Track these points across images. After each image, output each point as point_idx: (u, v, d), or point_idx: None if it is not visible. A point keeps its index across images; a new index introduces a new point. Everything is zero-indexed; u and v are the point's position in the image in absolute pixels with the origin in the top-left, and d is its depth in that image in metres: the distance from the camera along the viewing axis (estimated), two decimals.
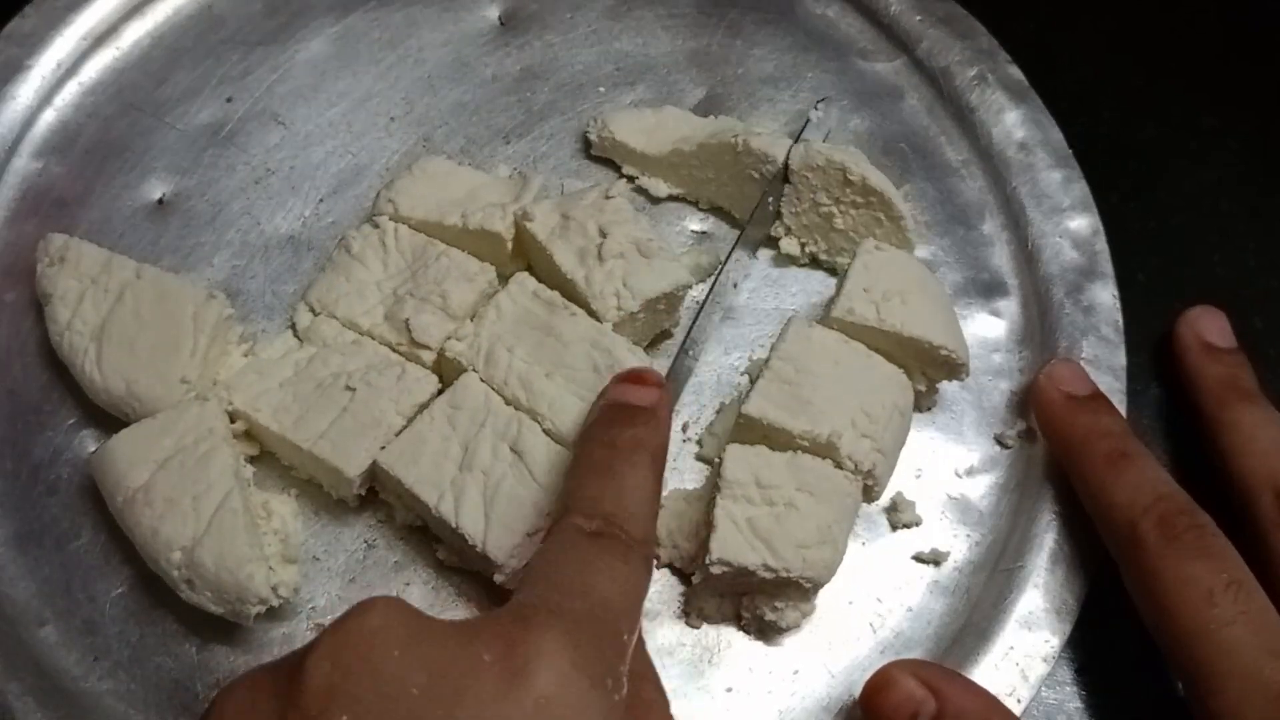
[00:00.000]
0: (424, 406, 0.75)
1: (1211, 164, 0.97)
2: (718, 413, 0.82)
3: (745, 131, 0.83)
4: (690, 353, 0.80)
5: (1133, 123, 0.98)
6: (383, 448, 0.73)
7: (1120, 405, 0.81)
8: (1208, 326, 0.83)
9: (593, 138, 0.89)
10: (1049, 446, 0.79)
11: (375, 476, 0.74)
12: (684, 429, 0.81)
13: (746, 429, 0.75)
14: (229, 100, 0.91)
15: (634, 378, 0.71)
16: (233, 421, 0.76)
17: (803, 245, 0.85)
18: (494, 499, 0.71)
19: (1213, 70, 1.01)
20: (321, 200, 0.88)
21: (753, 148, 0.82)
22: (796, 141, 0.83)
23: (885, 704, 0.68)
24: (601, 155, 0.90)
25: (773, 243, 0.87)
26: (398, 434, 0.74)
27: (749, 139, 0.82)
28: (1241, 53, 1.02)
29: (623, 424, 0.68)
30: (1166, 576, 0.68)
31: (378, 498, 0.77)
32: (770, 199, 0.83)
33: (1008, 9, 0.97)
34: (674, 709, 0.72)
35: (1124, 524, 0.70)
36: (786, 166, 0.83)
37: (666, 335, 0.84)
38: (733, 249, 0.82)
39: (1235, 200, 0.95)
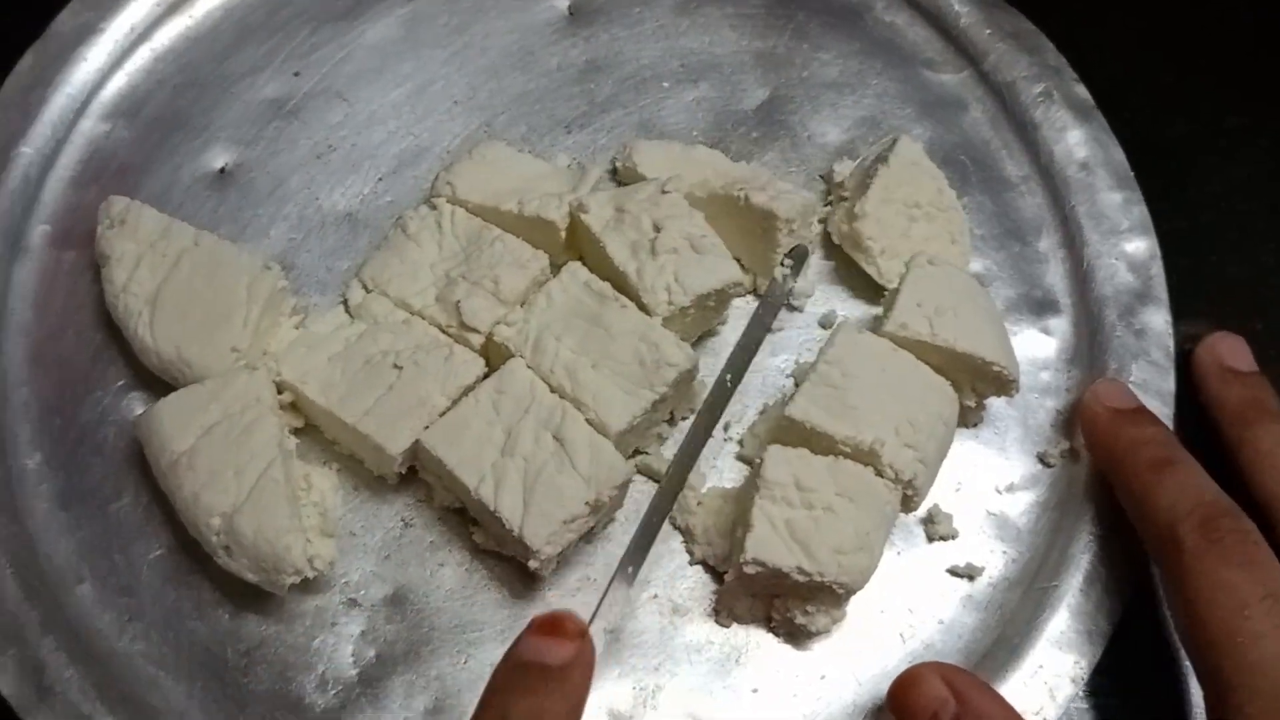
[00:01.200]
0: (469, 389, 0.75)
1: (1241, 161, 0.96)
2: (760, 414, 0.82)
3: (749, 185, 0.81)
4: (730, 380, 0.79)
5: (1162, 119, 0.97)
6: (426, 427, 0.74)
7: None
8: (1227, 351, 0.82)
9: (618, 164, 0.88)
10: (1094, 460, 0.79)
11: (417, 456, 0.75)
12: (725, 428, 0.81)
13: (789, 431, 0.75)
14: (296, 75, 0.92)
15: (551, 626, 0.62)
16: (280, 393, 0.77)
17: (864, 235, 0.83)
18: (534, 485, 0.71)
19: (1242, 67, 1.00)
20: (380, 179, 0.88)
21: (753, 204, 0.80)
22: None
23: (910, 700, 0.67)
24: (622, 183, 0.89)
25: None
26: (442, 415, 0.74)
27: (750, 195, 0.80)
28: (1271, 50, 1.01)
29: (523, 691, 0.60)
30: (1202, 581, 0.67)
31: (418, 477, 0.77)
32: (791, 262, 0.83)
33: (1038, 6, 0.96)
34: (698, 706, 0.73)
35: (1165, 526, 0.69)
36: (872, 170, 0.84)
37: (712, 333, 0.84)
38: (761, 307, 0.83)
39: (1264, 198, 0.94)
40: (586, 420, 0.73)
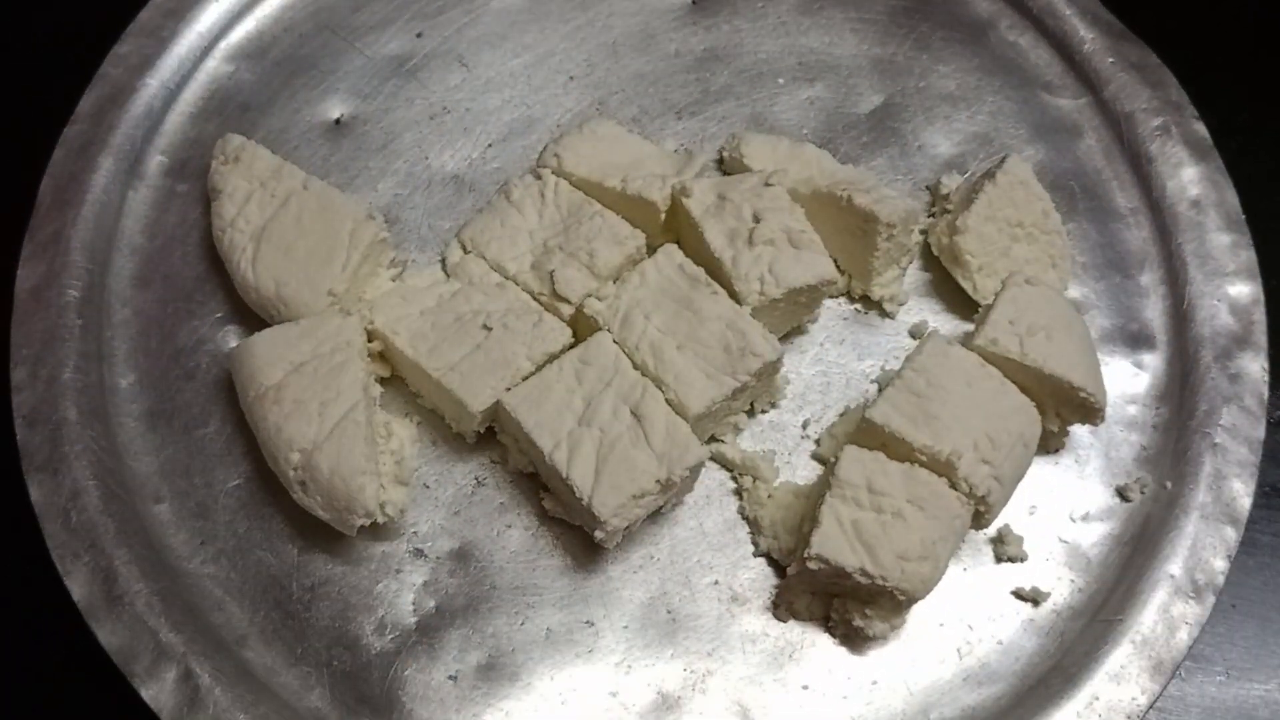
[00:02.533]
0: (554, 357, 0.76)
1: None
2: (840, 415, 0.81)
3: (853, 187, 0.81)
4: None
5: None
6: (508, 389, 0.75)
7: (1251, 479, 0.79)
8: None
9: (725, 154, 0.89)
10: None
11: (496, 416, 0.76)
12: (804, 426, 0.81)
13: (867, 434, 0.75)
14: (419, 35, 0.93)
15: None
16: (370, 340, 0.78)
17: (964, 250, 0.83)
18: (607, 457, 0.71)
19: None
20: (490, 145, 0.90)
21: (856, 205, 0.80)
22: None
23: None
24: (727, 173, 0.89)
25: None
26: (525, 378, 0.75)
27: (853, 195, 0.80)
28: None
29: None
30: None
31: (494, 440, 0.78)
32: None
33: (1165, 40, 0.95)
34: (746, 696, 0.73)
35: None
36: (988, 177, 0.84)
37: (801, 331, 0.84)
38: None
39: None
40: (666, 400, 0.74)
